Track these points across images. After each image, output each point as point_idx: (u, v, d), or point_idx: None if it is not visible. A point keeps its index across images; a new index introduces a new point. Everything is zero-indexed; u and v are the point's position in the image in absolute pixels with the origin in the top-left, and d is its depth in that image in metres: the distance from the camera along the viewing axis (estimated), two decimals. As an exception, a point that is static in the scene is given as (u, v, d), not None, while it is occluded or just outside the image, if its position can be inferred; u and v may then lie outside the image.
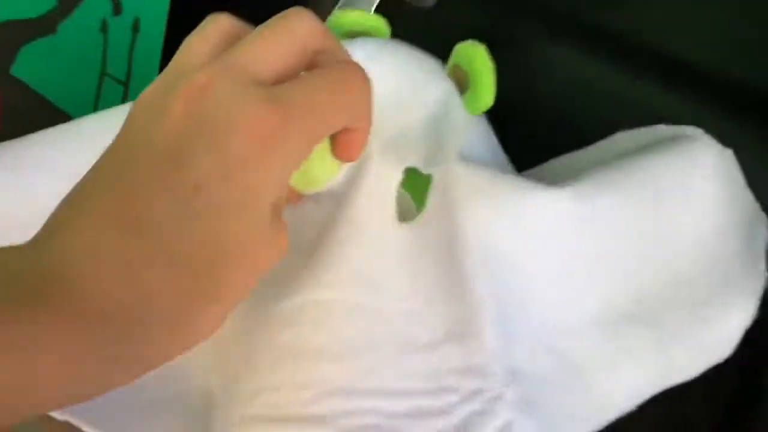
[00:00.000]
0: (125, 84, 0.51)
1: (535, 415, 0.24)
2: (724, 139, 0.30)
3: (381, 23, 0.33)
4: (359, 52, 0.28)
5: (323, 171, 0.28)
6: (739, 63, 0.33)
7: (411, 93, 0.29)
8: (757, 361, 0.29)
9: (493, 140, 0.33)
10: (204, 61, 0.22)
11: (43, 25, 0.50)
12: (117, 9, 0.48)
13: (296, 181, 0.28)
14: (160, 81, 0.22)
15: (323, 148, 0.28)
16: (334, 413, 0.23)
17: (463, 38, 0.36)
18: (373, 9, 0.39)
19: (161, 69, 0.48)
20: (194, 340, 0.21)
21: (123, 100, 0.51)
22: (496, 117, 0.31)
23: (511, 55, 0.37)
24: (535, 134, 0.35)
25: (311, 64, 0.24)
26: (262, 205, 0.21)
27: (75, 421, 0.24)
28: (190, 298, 0.20)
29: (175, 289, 0.20)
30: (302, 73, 0.24)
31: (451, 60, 0.31)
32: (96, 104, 0.52)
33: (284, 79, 0.22)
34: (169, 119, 0.20)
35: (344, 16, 0.33)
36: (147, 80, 0.50)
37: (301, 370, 0.23)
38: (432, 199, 0.27)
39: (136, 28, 0.49)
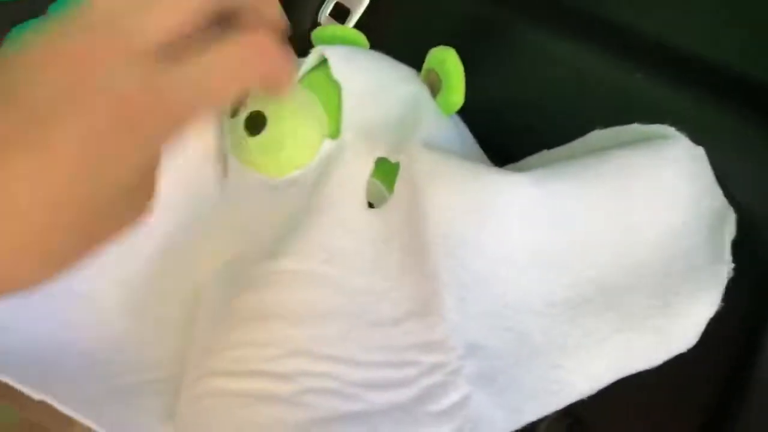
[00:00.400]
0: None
1: (494, 391, 0.25)
2: (722, 131, 0.30)
3: (359, 36, 0.34)
4: (336, 54, 0.30)
5: (296, 157, 0.29)
6: (738, 56, 0.33)
7: (382, 91, 0.30)
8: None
9: (468, 140, 0.34)
10: (108, 18, 0.21)
11: (33, 7, 0.50)
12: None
13: (269, 165, 0.29)
14: (75, 16, 0.21)
15: (296, 135, 0.29)
16: (296, 372, 0.23)
17: (461, 25, 0.37)
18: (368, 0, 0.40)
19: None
20: None
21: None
22: (490, 109, 0.32)
23: (505, 44, 0.37)
24: (530, 127, 0.35)
25: (230, 15, 0.23)
26: (114, 177, 0.20)
27: (56, 405, 0.25)
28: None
29: None
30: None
31: (426, 65, 0.32)
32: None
33: (184, 41, 0.21)
34: (50, 72, 0.20)
35: (324, 30, 0.35)
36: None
37: (264, 330, 0.24)
38: (398, 185, 0.27)
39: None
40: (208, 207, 0.31)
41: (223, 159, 0.31)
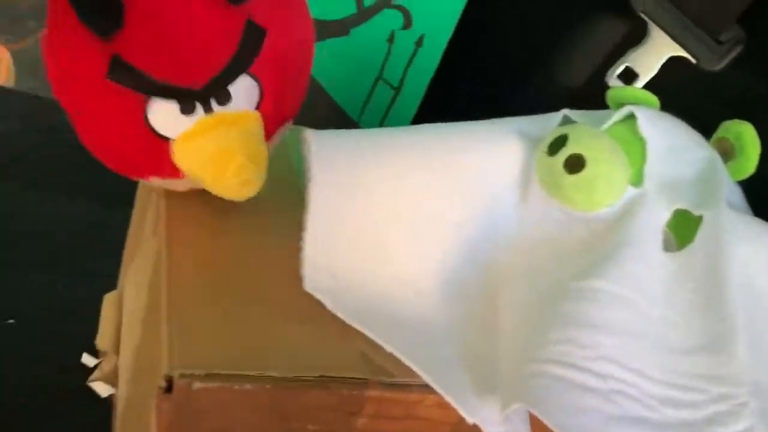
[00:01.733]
0: (397, 89, 0.58)
1: None
2: None
3: (652, 98, 0.39)
4: (644, 114, 0.35)
5: (606, 197, 0.33)
6: None
7: (682, 151, 0.35)
8: None
9: (745, 204, 0.37)
10: None
11: (338, 28, 0.58)
12: (407, 24, 0.55)
13: (581, 202, 0.34)
14: None
15: (610, 178, 0.33)
16: (608, 374, 0.28)
17: (741, 103, 0.41)
18: (657, 69, 0.44)
19: (431, 83, 0.56)
20: None
21: (391, 103, 0.59)
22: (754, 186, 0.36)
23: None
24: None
25: None
26: None
27: (401, 357, 0.29)
28: None
29: None
30: None
31: (718, 134, 0.37)
32: (366, 102, 0.60)
33: None
34: None
35: (622, 90, 0.39)
36: (417, 90, 0.58)
37: (584, 334, 0.29)
38: (700, 235, 0.32)
39: (419, 43, 0.56)
40: (507, 225, 0.36)
41: (523, 187, 0.37)
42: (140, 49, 0.30)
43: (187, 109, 0.31)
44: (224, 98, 0.32)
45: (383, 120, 0.60)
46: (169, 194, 0.33)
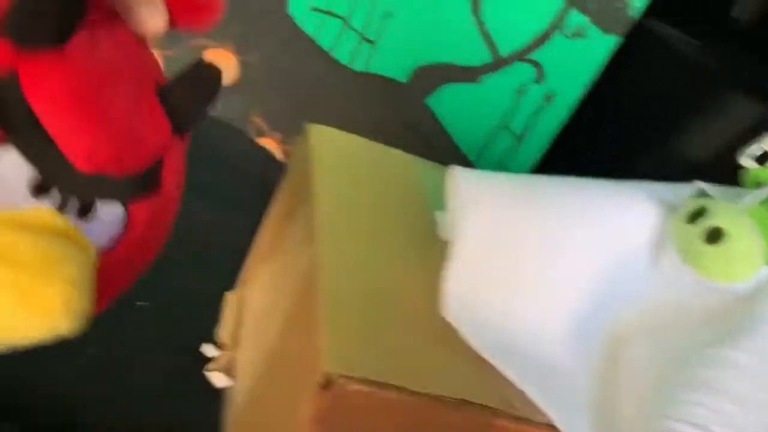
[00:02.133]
0: (519, 139, 0.60)
1: None
2: None
3: None
4: None
5: (743, 272, 0.34)
6: None
7: None
8: None
9: None
10: None
11: (470, 74, 0.61)
12: (539, 78, 0.58)
13: (718, 273, 0.35)
14: None
15: (749, 253, 0.34)
16: None
17: None
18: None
19: (553, 138, 0.58)
20: None
21: (511, 151, 0.61)
22: None
23: None
24: None
25: None
26: None
27: (530, 395, 0.31)
28: None
29: None
30: None
31: None
32: (485, 147, 0.62)
33: None
34: None
35: (762, 172, 0.41)
36: (539, 143, 0.60)
37: (715, 400, 0.30)
38: None
39: (548, 99, 0.58)
40: (636, 283, 0.37)
41: (656, 249, 0.38)
42: (53, 83, 0.22)
43: (40, 188, 0.22)
44: (90, 208, 0.24)
45: (500, 167, 0.62)
46: (320, 212, 0.36)
